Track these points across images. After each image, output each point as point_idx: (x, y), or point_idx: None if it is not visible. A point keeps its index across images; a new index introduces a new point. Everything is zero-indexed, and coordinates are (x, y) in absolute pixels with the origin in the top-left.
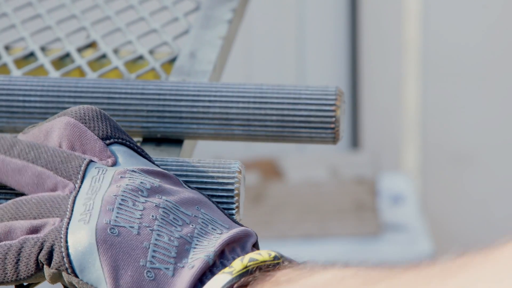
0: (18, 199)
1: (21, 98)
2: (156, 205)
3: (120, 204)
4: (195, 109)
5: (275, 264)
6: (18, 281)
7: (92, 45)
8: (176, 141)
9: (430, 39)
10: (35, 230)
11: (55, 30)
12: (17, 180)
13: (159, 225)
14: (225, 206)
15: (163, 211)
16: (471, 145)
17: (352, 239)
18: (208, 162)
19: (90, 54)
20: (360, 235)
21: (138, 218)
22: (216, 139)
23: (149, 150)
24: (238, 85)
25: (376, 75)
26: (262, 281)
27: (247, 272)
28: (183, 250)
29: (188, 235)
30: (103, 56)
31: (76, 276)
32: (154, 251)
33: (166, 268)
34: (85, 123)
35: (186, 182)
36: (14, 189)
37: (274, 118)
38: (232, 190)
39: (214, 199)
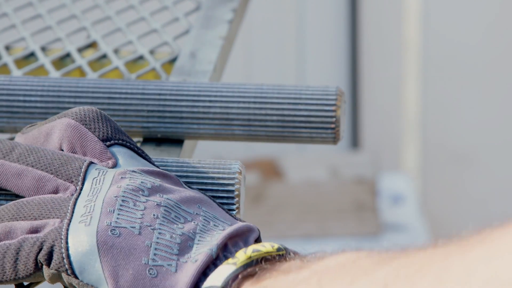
0: (19, 200)
1: (21, 98)
2: (157, 204)
3: (121, 205)
4: (195, 109)
5: (280, 255)
6: (17, 280)
7: (92, 45)
8: (176, 141)
9: (430, 39)
10: (35, 230)
11: (56, 30)
12: (17, 184)
13: (160, 224)
14: (225, 206)
15: (165, 209)
16: (471, 145)
17: (352, 239)
18: (208, 162)
19: (91, 54)
20: (360, 235)
21: (139, 218)
22: (216, 139)
23: (149, 150)
24: (238, 85)
25: (376, 75)
26: (269, 269)
27: (251, 262)
28: (186, 247)
29: (191, 231)
30: (104, 56)
31: (76, 277)
32: (156, 249)
33: (169, 265)
34: (86, 124)
35: (186, 183)
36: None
37: (274, 118)
38: (232, 191)
39: (215, 201)
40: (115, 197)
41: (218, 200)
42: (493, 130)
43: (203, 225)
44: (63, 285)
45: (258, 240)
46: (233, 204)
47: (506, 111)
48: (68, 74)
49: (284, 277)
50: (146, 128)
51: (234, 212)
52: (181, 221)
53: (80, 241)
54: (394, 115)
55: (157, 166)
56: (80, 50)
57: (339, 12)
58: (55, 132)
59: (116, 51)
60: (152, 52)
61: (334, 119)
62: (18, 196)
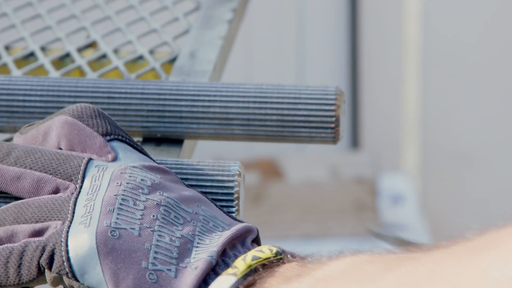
0: (19, 202)
1: (21, 98)
2: (157, 203)
3: (120, 204)
4: (195, 109)
5: (278, 259)
6: (20, 285)
7: (92, 45)
8: (176, 141)
9: (430, 39)
10: (37, 234)
11: (55, 30)
12: (17, 187)
13: (160, 225)
14: (225, 209)
15: (164, 209)
16: (471, 145)
17: (352, 239)
18: (207, 164)
19: (90, 54)
20: (360, 235)
21: (138, 219)
22: (216, 139)
23: (149, 150)
24: (238, 85)
25: (376, 75)
26: (269, 277)
27: (251, 271)
28: (185, 250)
29: (190, 233)
30: (103, 56)
31: (77, 280)
32: (155, 252)
33: (168, 270)
34: (83, 121)
35: (185, 183)
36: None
37: (274, 118)
38: (232, 194)
39: (213, 202)
40: (115, 195)
41: (217, 202)
42: (493, 130)
43: (202, 225)
44: None
45: (257, 240)
46: (232, 206)
47: (506, 111)
48: (67, 74)
49: (285, 286)
50: (145, 128)
51: (234, 214)
52: (180, 222)
53: (80, 244)
54: (394, 115)
55: (157, 162)
56: (80, 50)
57: (339, 12)
58: (52, 130)
59: (115, 51)
60: (151, 52)
61: (333, 119)
62: (18, 198)
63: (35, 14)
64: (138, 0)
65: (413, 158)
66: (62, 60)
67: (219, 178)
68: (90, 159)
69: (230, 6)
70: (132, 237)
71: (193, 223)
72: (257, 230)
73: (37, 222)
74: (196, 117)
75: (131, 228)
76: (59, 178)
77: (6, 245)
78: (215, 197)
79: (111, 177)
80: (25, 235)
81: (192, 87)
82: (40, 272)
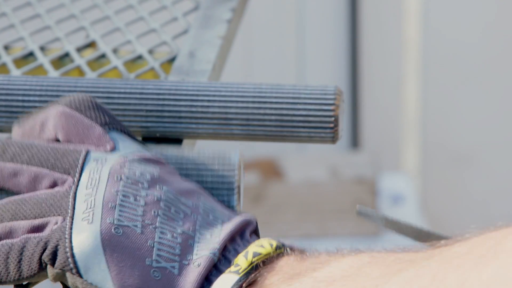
0: (17, 198)
1: (20, 97)
2: (157, 199)
3: (121, 200)
4: (194, 109)
5: (278, 254)
6: (20, 280)
7: (91, 44)
8: (175, 141)
9: (430, 39)
10: (36, 229)
11: (54, 29)
12: (14, 183)
13: (161, 222)
14: (226, 199)
15: (164, 205)
16: (471, 145)
17: (352, 239)
18: (207, 155)
19: (89, 54)
20: (360, 235)
21: (140, 216)
22: (215, 139)
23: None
24: (237, 85)
25: (376, 75)
26: (269, 274)
27: (253, 268)
28: (187, 246)
29: (191, 229)
30: (102, 55)
31: (81, 276)
32: (158, 249)
33: (172, 267)
34: (81, 111)
35: (184, 176)
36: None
37: (273, 117)
38: (232, 186)
39: (214, 194)
40: (116, 191)
41: (218, 192)
42: (493, 130)
43: (202, 218)
44: (63, 285)
45: (256, 231)
46: (233, 197)
47: (506, 111)
48: (67, 73)
49: (287, 285)
50: (145, 128)
51: (235, 204)
52: (181, 217)
53: (84, 240)
54: (394, 115)
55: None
56: (79, 49)
57: (339, 12)
58: (49, 121)
59: (115, 51)
60: (151, 51)
61: (333, 118)
62: (13, 193)
63: (34, 14)
64: (137, 0)
65: (413, 158)
66: (61, 59)
67: (220, 172)
68: (88, 152)
69: (229, 6)
70: (135, 235)
71: (194, 216)
72: (256, 221)
73: (36, 217)
74: (195, 117)
75: (134, 225)
76: (57, 172)
77: (5, 240)
78: (215, 188)
79: (110, 171)
80: (24, 231)
81: (191, 87)
82: (41, 267)
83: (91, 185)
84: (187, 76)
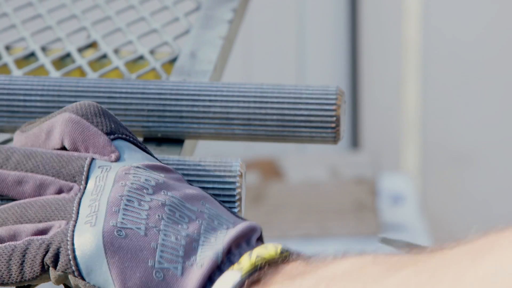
0: (22, 201)
1: (21, 98)
2: (162, 203)
3: (125, 205)
4: (195, 109)
5: (283, 257)
6: (22, 282)
7: (92, 45)
8: (176, 141)
9: (430, 39)
10: (40, 233)
11: (56, 30)
12: (19, 191)
13: (165, 225)
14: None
15: (169, 209)
16: (471, 145)
17: (352, 239)
18: (209, 163)
19: (91, 54)
20: (360, 235)
21: (144, 219)
22: (216, 139)
23: (149, 150)
24: (238, 85)
25: (376, 75)
26: (274, 275)
27: (256, 268)
28: (190, 248)
29: (195, 232)
30: (104, 56)
31: (83, 278)
32: (161, 251)
33: (174, 268)
34: (87, 119)
35: (187, 181)
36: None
37: (274, 117)
38: (234, 196)
39: (217, 199)
40: (120, 196)
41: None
42: (493, 130)
43: (207, 223)
44: (65, 287)
45: (260, 239)
46: (234, 208)
47: (506, 111)
48: (68, 74)
49: (290, 282)
50: (146, 128)
51: (235, 211)
52: (186, 221)
53: (86, 242)
54: (394, 115)
55: (160, 161)
56: (80, 50)
57: (339, 12)
58: (56, 128)
59: (116, 51)
60: (152, 52)
61: (334, 119)
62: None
63: (35, 14)
64: (139, 0)
65: (413, 158)
66: (63, 60)
67: (221, 179)
68: (93, 159)
69: (230, 6)
70: (138, 237)
71: (198, 221)
72: (261, 229)
73: (40, 221)
74: (196, 117)
75: (137, 228)
76: (62, 179)
77: (8, 243)
78: (217, 198)
79: (115, 178)
80: (28, 234)
81: (193, 87)
82: (44, 270)
83: (96, 191)
84: (189, 76)
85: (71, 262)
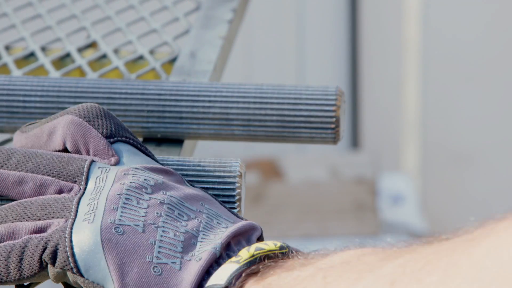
0: (22, 200)
1: (21, 98)
2: (160, 202)
3: (124, 203)
4: (195, 109)
5: (282, 253)
6: (21, 280)
7: (92, 45)
8: (176, 141)
9: (430, 39)
10: (39, 231)
11: (56, 30)
12: (19, 191)
13: (164, 222)
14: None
15: (168, 207)
16: (471, 145)
17: (352, 239)
18: (208, 163)
19: (91, 54)
20: (360, 235)
21: (142, 216)
22: (216, 139)
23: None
24: (238, 85)
25: (376, 75)
26: (272, 268)
27: (254, 260)
28: (189, 244)
29: (194, 229)
30: (104, 56)
31: (82, 275)
32: (160, 246)
33: (173, 263)
34: (89, 121)
35: (188, 181)
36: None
37: (274, 118)
38: (233, 196)
39: (218, 200)
40: (119, 194)
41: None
42: (493, 130)
43: (206, 222)
44: (64, 285)
45: (260, 239)
46: (234, 208)
47: (506, 111)
48: (68, 74)
49: (288, 273)
50: (146, 128)
51: (235, 211)
52: (185, 219)
53: (84, 239)
54: (394, 115)
55: (161, 163)
56: (80, 50)
57: (339, 12)
58: (58, 130)
59: (116, 51)
60: (152, 52)
61: (334, 119)
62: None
63: (35, 14)
64: (139, 0)
65: (413, 158)
66: (62, 60)
67: (221, 180)
68: (92, 161)
69: (230, 6)
70: (136, 233)
71: (197, 219)
72: (261, 229)
73: (39, 219)
74: (196, 117)
75: (135, 225)
76: (62, 180)
77: (7, 242)
78: (216, 194)
79: (114, 178)
80: (27, 232)
81: (193, 87)
82: (42, 267)
83: (95, 191)
84: (188, 76)
85: (70, 259)
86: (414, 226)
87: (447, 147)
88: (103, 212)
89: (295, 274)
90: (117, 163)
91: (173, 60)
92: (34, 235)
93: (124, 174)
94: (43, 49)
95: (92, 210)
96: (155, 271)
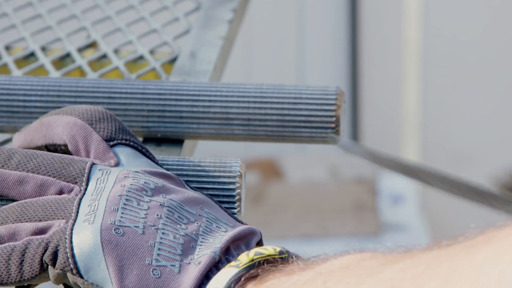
0: (23, 201)
1: (21, 98)
2: (160, 204)
3: (124, 204)
4: (195, 109)
5: (282, 258)
6: (21, 282)
7: (92, 45)
8: (176, 141)
9: (430, 39)
10: (40, 232)
11: (56, 30)
12: (19, 191)
13: (164, 224)
14: (226, 208)
15: (168, 210)
16: (471, 145)
17: (352, 239)
18: (208, 163)
19: (91, 54)
20: (360, 235)
21: (142, 218)
22: (216, 139)
23: (149, 150)
24: (238, 85)
25: (376, 75)
26: (271, 272)
27: (254, 265)
28: (188, 247)
29: (194, 232)
30: (104, 56)
31: (81, 276)
32: (159, 249)
33: (172, 265)
34: (91, 124)
35: (188, 183)
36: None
37: (274, 118)
38: (233, 196)
39: (218, 204)
40: (119, 196)
41: (218, 201)
42: (493, 130)
43: (206, 226)
44: (64, 286)
45: (260, 243)
46: (234, 208)
47: (506, 111)
48: (68, 74)
49: (288, 278)
50: (146, 128)
51: (235, 211)
52: (184, 222)
53: (84, 240)
54: (394, 115)
55: (161, 166)
56: (80, 50)
57: (339, 12)
58: (58, 127)
59: (116, 51)
60: (152, 52)
61: (334, 119)
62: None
63: (35, 14)
64: (139, 0)
65: (413, 158)
66: (63, 60)
67: (221, 180)
68: (93, 164)
69: (230, 6)
70: (136, 235)
71: (197, 223)
72: (261, 234)
73: (40, 220)
74: (196, 117)
75: (135, 226)
76: (63, 181)
77: (8, 243)
78: (216, 198)
79: (115, 180)
80: (28, 233)
81: (193, 87)
82: (43, 268)
83: (96, 192)
84: (188, 76)
85: (70, 260)
86: (414, 226)
87: (447, 147)
88: (103, 213)
89: (295, 279)
90: (117, 165)
91: (173, 60)
92: (35, 237)
93: (125, 176)
94: (43, 49)
95: (93, 211)
96: (154, 274)
